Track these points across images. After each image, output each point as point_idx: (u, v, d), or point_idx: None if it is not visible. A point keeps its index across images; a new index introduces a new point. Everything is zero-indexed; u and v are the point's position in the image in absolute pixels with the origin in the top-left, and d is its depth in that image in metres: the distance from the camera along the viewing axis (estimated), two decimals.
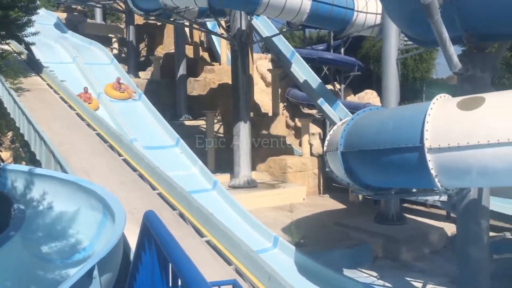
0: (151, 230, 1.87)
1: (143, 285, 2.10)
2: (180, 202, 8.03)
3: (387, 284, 9.22)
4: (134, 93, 14.95)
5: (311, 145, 17.30)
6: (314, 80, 16.29)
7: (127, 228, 5.69)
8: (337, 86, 22.58)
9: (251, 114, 16.63)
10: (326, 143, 7.80)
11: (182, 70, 19.56)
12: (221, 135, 18.38)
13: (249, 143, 14.49)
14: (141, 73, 22.08)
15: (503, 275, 9.25)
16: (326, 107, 15.69)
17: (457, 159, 5.50)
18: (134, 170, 9.47)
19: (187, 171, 11.61)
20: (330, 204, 14.75)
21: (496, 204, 10.19)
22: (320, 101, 15.78)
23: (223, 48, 22.98)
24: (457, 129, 5.43)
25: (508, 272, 9.43)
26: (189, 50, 22.66)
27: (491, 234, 7.88)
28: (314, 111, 21.90)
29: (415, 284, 9.28)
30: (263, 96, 23.25)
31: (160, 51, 24.59)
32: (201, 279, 1.20)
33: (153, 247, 1.82)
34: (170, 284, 1.78)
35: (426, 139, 5.62)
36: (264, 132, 18.36)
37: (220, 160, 15.92)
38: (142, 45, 25.82)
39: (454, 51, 6.74)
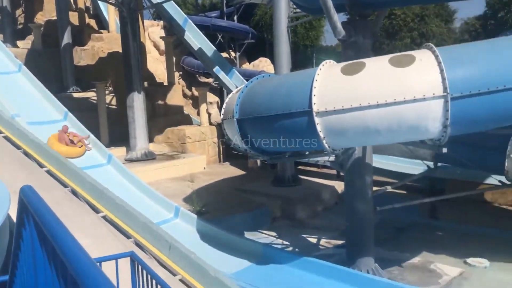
0: (28, 205, 1.76)
1: (25, 263, 1.98)
2: (72, 178, 7.63)
3: (285, 242, 9.75)
4: (87, 141, 11.22)
5: (209, 114, 17.32)
6: (208, 48, 16.17)
7: (13, 210, 5.28)
8: (232, 54, 22.68)
9: (145, 84, 16.12)
10: (222, 111, 7.86)
11: (67, 39, 18.16)
12: (113, 107, 17.61)
13: (144, 114, 14.08)
14: (19, 43, 20.11)
15: (385, 224, 10.27)
16: (222, 75, 15.72)
17: (342, 121, 5.88)
18: (18, 147, 8.75)
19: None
20: (230, 171, 15.03)
21: (378, 161, 11.15)
22: (216, 69, 15.76)
23: (111, 14, 21.73)
24: (341, 93, 5.79)
25: (389, 222, 10.49)
26: (73, 17, 21.05)
27: (375, 188, 8.64)
28: (210, 80, 21.84)
29: (310, 239, 9.93)
30: (157, 65, 22.61)
31: (40, 18, 22.53)
32: (80, 250, 1.16)
33: (32, 223, 1.72)
34: (52, 260, 1.71)
35: (314, 103, 5.92)
36: (160, 102, 17.95)
37: (115, 133, 15.31)
38: (19, 11, 23.43)
39: (338, 19, 7.10)
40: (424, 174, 10.18)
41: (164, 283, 2.99)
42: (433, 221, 11.01)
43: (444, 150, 6.72)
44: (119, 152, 13.84)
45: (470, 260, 8.54)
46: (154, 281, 3.01)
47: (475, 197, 10.37)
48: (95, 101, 16.44)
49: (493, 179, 9.66)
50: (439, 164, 10.19)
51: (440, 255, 8.88)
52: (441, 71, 5.47)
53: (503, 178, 9.19)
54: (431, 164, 10.03)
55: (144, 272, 3.12)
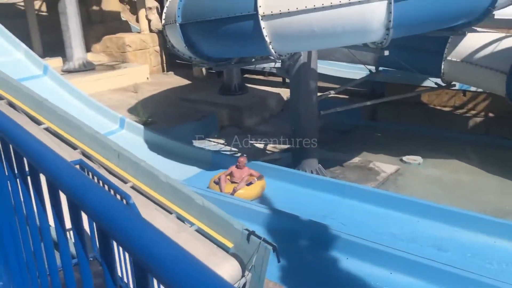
0: None
1: None
2: (6, 89, 7.20)
3: (233, 148, 9.97)
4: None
5: (149, 20, 16.43)
6: None
7: None
8: None
9: None
10: (163, 16, 7.50)
11: None
12: (44, 13, 16.28)
13: (79, 21, 13.14)
14: None
15: (329, 127, 10.70)
16: None
17: (288, 25, 5.81)
18: None
19: (8, 56, 10.24)
20: (175, 81, 14.72)
21: (322, 67, 11.27)
22: None
23: None
24: None
25: (332, 125, 10.92)
26: None
27: (319, 94, 8.83)
28: None
29: (258, 145, 10.21)
30: None
31: None
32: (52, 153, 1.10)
33: None
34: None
35: (260, 6, 5.76)
36: (95, 8, 16.76)
37: (48, 42, 14.31)
38: None
39: None
40: (365, 78, 10.47)
41: (116, 187, 3.03)
42: (373, 123, 11.56)
43: (386, 53, 6.87)
44: (55, 63, 13.06)
45: (405, 157, 9.19)
46: (106, 186, 3.04)
47: (413, 99, 10.87)
48: (22, 7, 15.10)
49: (430, 82, 10.11)
50: (381, 68, 10.47)
51: (379, 154, 9.47)
52: None
53: (439, 80, 9.66)
54: (373, 68, 10.29)
55: (95, 178, 3.13)
